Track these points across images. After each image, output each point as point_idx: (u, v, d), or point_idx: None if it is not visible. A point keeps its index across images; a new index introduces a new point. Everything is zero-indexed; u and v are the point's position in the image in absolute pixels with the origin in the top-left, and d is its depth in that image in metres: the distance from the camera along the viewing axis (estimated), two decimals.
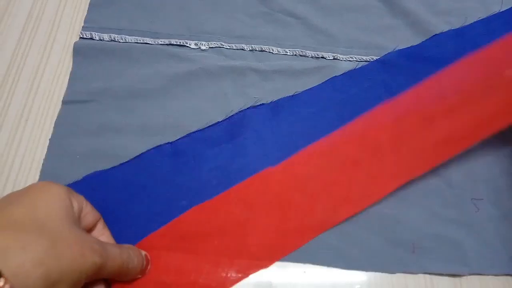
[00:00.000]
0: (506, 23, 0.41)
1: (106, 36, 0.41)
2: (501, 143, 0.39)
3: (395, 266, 0.34)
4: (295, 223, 0.35)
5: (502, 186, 0.37)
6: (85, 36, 0.41)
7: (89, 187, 0.34)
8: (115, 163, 0.36)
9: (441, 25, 0.42)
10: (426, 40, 0.42)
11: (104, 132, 0.37)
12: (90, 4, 0.43)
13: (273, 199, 0.35)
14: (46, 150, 0.36)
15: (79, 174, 0.35)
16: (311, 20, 0.43)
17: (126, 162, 0.36)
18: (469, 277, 0.34)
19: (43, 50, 0.41)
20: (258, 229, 0.34)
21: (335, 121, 0.38)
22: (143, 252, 0.31)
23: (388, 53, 0.41)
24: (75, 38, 0.41)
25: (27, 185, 0.28)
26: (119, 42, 0.41)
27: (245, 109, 0.38)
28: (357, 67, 0.41)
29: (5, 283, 0.21)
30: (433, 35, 0.42)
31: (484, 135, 0.36)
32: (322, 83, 0.40)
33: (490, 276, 0.34)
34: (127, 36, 0.41)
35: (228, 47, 0.42)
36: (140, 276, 0.31)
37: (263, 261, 0.33)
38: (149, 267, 0.32)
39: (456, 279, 0.34)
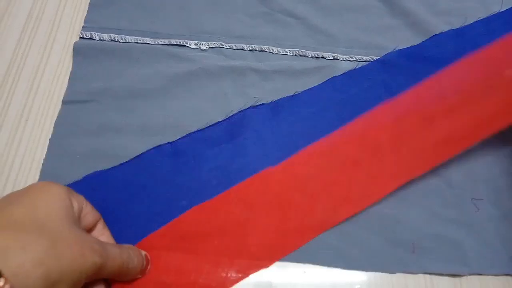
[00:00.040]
0: (506, 23, 0.41)
1: (106, 36, 0.41)
2: (501, 143, 0.39)
3: (395, 266, 0.34)
4: (295, 223, 0.35)
5: (502, 186, 0.37)
6: (85, 36, 0.41)
7: (89, 187, 0.34)
8: (115, 163, 0.36)
9: (441, 25, 0.42)
10: (426, 40, 0.42)
11: (104, 132, 0.37)
12: (90, 4, 0.43)
13: (273, 199, 0.35)
14: (46, 150, 0.36)
15: (79, 174, 0.35)
16: (311, 20, 0.43)
17: (126, 162, 0.36)
18: (469, 277, 0.34)
19: (43, 50, 0.41)
20: (258, 229, 0.34)
21: (335, 121, 0.38)
22: (143, 252, 0.31)
23: (388, 53, 0.41)
24: (75, 38, 0.41)
25: (27, 185, 0.28)
26: (119, 42, 0.41)
27: (245, 109, 0.38)
28: (357, 67, 0.41)
29: (5, 283, 0.21)
30: (433, 35, 0.42)
31: (484, 135, 0.36)
32: (322, 83, 0.40)
33: (490, 276, 0.34)
34: (127, 36, 0.41)
35: (228, 47, 0.42)
36: (140, 276, 0.31)
37: (263, 261, 0.33)
38: (149, 267, 0.32)
39: (456, 279, 0.34)
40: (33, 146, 0.37)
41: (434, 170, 0.37)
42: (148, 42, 0.41)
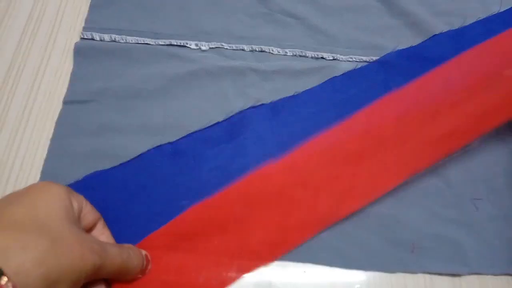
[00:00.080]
0: (506, 23, 0.41)
1: (106, 37, 0.41)
2: (501, 143, 0.39)
3: (395, 265, 0.34)
4: (297, 219, 0.34)
5: (502, 186, 0.37)
6: (85, 37, 0.41)
7: (89, 187, 0.35)
8: (115, 163, 0.36)
9: (441, 25, 0.42)
10: (426, 40, 0.42)
11: (105, 132, 0.37)
12: (90, 5, 0.43)
13: (274, 195, 0.35)
14: (46, 150, 0.36)
15: (79, 174, 0.35)
16: (311, 20, 0.43)
17: (126, 162, 0.36)
18: (468, 276, 0.34)
19: (44, 51, 0.41)
20: (259, 226, 0.34)
21: (335, 121, 0.38)
22: (143, 252, 0.31)
23: (388, 53, 0.41)
24: (76, 39, 0.41)
25: (28, 185, 0.29)
26: (120, 42, 0.41)
27: (245, 109, 0.39)
28: (356, 67, 0.41)
29: (8, 281, 0.21)
30: (433, 35, 0.42)
31: (486, 129, 0.36)
32: (322, 83, 0.40)
33: (489, 276, 0.34)
34: (127, 37, 0.41)
35: (228, 48, 0.42)
36: (140, 276, 0.31)
37: (265, 258, 0.33)
38: (149, 267, 0.32)
39: (456, 279, 0.34)
40: (33, 146, 0.37)
41: (434, 170, 0.37)
42: (148, 42, 0.41)
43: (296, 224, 0.34)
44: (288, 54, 0.42)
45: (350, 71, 0.41)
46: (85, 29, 0.42)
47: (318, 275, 0.34)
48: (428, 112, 0.37)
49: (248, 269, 0.33)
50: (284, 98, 0.39)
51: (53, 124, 0.37)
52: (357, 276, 0.34)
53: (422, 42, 0.42)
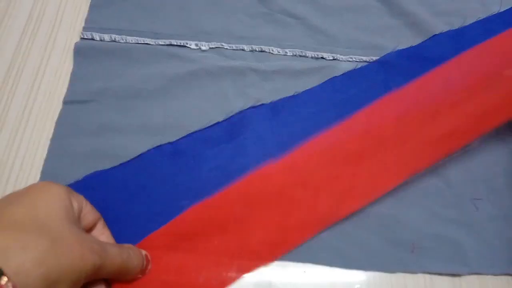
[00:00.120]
0: (506, 23, 0.41)
1: (106, 37, 0.41)
2: (501, 143, 0.39)
3: (395, 265, 0.34)
4: (297, 219, 0.34)
5: (502, 186, 0.37)
6: (85, 37, 0.41)
7: (89, 187, 0.35)
8: (115, 163, 0.36)
9: (441, 25, 0.42)
10: (426, 40, 0.42)
11: (105, 132, 0.37)
12: (90, 5, 0.43)
13: (274, 195, 0.35)
14: (46, 150, 0.36)
15: (79, 174, 0.35)
16: (311, 20, 0.43)
17: (126, 162, 0.36)
18: (468, 276, 0.34)
19: (44, 51, 0.41)
20: (259, 225, 0.34)
21: (335, 121, 0.38)
22: (143, 252, 0.31)
23: (388, 53, 0.41)
24: (76, 39, 0.41)
25: (28, 185, 0.29)
26: (120, 42, 0.41)
27: (245, 109, 0.39)
28: (356, 67, 0.41)
29: (8, 281, 0.21)
30: (433, 35, 0.42)
31: (486, 129, 0.36)
32: (322, 83, 0.40)
33: (489, 276, 0.34)
34: (127, 37, 0.41)
35: (228, 48, 0.42)
36: (140, 276, 0.31)
37: (265, 258, 0.33)
38: (149, 267, 0.32)
39: (456, 279, 0.34)
40: (33, 146, 0.37)
41: (434, 170, 0.37)
42: (148, 42, 0.41)
43: (296, 224, 0.34)
44: (288, 54, 0.42)
45: (350, 71, 0.41)
46: (85, 29, 0.42)
47: (318, 275, 0.34)
48: (428, 112, 0.37)
49: (248, 269, 0.33)
50: (284, 98, 0.39)
51: (53, 124, 0.37)
52: (357, 276, 0.34)
53: (422, 42, 0.42)
